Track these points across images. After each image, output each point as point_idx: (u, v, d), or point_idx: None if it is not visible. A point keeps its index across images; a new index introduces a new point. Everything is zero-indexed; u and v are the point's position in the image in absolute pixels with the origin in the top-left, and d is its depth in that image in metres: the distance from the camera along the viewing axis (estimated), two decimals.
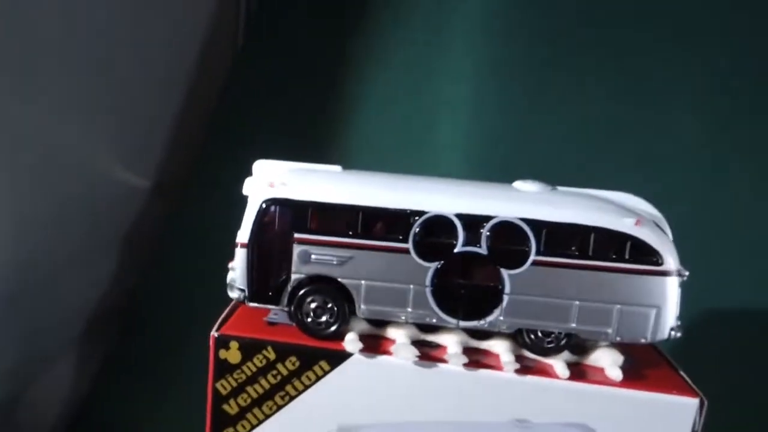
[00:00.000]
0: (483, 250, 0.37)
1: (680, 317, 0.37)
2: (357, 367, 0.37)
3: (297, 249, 0.38)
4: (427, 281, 0.37)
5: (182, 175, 0.67)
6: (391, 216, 0.37)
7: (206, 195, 0.66)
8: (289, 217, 0.38)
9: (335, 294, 0.38)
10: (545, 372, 0.37)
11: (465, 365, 0.37)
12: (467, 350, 0.38)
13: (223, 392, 0.38)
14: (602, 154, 0.62)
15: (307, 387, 0.38)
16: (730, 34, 0.61)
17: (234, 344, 0.38)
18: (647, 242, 0.36)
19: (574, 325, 0.37)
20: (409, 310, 0.38)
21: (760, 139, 0.60)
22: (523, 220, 0.36)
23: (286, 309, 0.39)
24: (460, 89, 0.64)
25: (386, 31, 0.67)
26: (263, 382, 0.38)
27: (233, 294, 0.39)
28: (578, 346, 0.39)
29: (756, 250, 0.59)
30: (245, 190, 0.39)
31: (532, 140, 0.63)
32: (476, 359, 0.38)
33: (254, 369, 0.38)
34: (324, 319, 0.38)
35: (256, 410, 0.38)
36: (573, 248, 0.37)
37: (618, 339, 0.37)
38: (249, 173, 0.40)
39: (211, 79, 0.67)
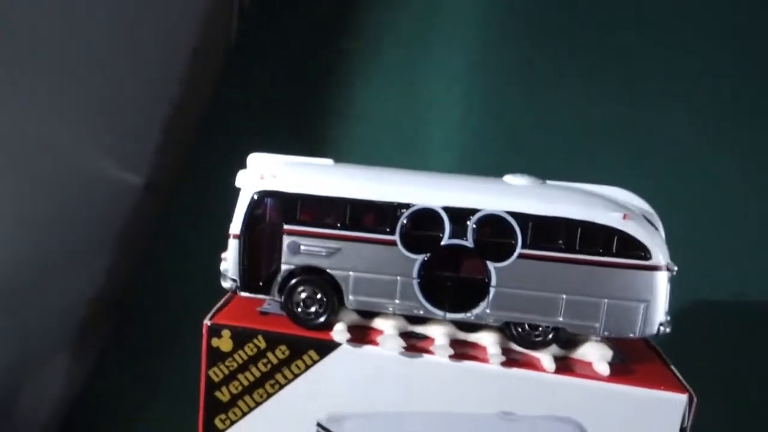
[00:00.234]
0: (469, 242, 0.37)
1: (676, 312, 0.37)
2: (345, 357, 0.38)
3: (287, 240, 0.38)
4: (414, 273, 0.37)
5: (175, 173, 0.68)
6: (379, 208, 0.38)
7: (199, 192, 0.66)
8: (279, 209, 0.39)
9: (324, 285, 0.38)
10: (532, 365, 0.37)
11: (451, 357, 0.37)
12: (456, 342, 0.38)
13: (216, 379, 0.39)
14: (594, 154, 0.61)
15: (296, 376, 0.38)
16: (730, 36, 0.61)
17: (226, 333, 0.39)
18: (635, 236, 0.36)
19: (561, 318, 0.37)
20: (397, 301, 0.38)
21: (755, 139, 0.59)
22: (509, 213, 0.36)
23: (277, 299, 0.40)
24: (452, 87, 0.64)
25: (379, 29, 0.67)
26: (254, 370, 0.39)
27: (226, 284, 0.40)
28: (568, 340, 0.39)
29: (753, 247, 0.58)
30: (238, 183, 0.40)
31: (523, 140, 0.63)
32: (463, 351, 0.38)
33: (245, 357, 0.39)
34: (313, 309, 0.39)
35: (247, 398, 0.39)
36: (560, 242, 0.36)
37: (606, 333, 0.37)
38: (241, 170, 0.41)
39: (204, 76, 0.67)
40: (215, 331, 0.39)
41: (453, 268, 0.38)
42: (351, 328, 0.39)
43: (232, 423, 0.39)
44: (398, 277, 0.38)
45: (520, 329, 0.38)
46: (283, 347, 0.38)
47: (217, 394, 0.39)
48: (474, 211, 0.37)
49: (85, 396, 0.66)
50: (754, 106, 0.60)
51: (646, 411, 0.36)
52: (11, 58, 0.43)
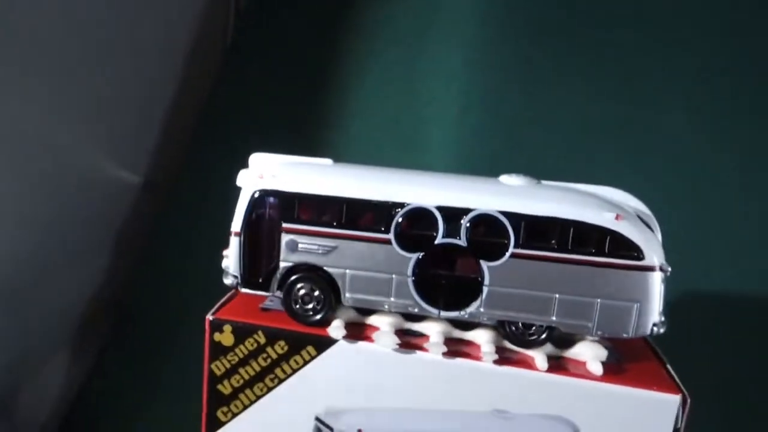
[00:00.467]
0: (463, 242, 0.37)
1: (674, 311, 0.37)
2: (342, 353, 0.38)
3: (285, 238, 0.39)
4: (409, 271, 0.38)
5: (173, 172, 0.68)
6: (374, 207, 0.38)
7: (198, 191, 0.67)
8: (278, 208, 0.39)
9: (321, 282, 0.39)
10: (525, 364, 0.38)
11: (445, 354, 0.37)
12: (451, 340, 0.39)
13: (218, 373, 0.40)
14: (593, 152, 0.61)
15: (295, 370, 0.39)
16: (728, 34, 0.60)
17: (227, 328, 0.39)
18: (628, 237, 0.36)
19: (554, 318, 0.37)
20: (392, 299, 0.38)
21: (753, 138, 0.59)
22: (502, 213, 0.37)
23: (276, 295, 0.40)
24: (451, 85, 0.64)
25: (377, 27, 0.67)
26: (254, 364, 0.39)
27: (227, 280, 0.40)
28: (564, 339, 0.39)
29: (752, 246, 0.58)
30: (239, 182, 0.41)
31: (521, 138, 0.63)
32: (458, 349, 0.38)
33: (246, 352, 0.40)
34: (311, 306, 0.39)
35: (248, 391, 0.40)
36: (552, 242, 0.37)
37: (599, 333, 0.37)
38: (240, 169, 0.41)
39: (202, 75, 0.67)
40: (217, 325, 0.40)
41: (447, 267, 0.38)
42: (348, 325, 0.39)
43: (234, 415, 0.40)
44: (393, 276, 0.38)
45: (514, 328, 0.38)
46: (282, 342, 0.39)
47: (220, 387, 0.40)
48: (467, 211, 0.37)
49: (84, 395, 0.67)
50: (752, 105, 0.60)
51: (639, 411, 0.36)
52: (11, 58, 0.43)
